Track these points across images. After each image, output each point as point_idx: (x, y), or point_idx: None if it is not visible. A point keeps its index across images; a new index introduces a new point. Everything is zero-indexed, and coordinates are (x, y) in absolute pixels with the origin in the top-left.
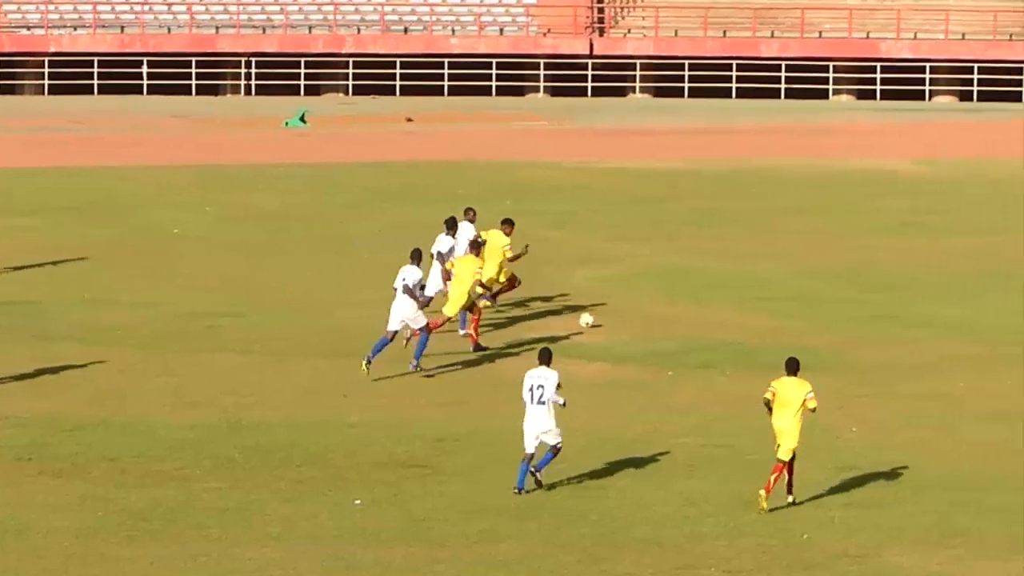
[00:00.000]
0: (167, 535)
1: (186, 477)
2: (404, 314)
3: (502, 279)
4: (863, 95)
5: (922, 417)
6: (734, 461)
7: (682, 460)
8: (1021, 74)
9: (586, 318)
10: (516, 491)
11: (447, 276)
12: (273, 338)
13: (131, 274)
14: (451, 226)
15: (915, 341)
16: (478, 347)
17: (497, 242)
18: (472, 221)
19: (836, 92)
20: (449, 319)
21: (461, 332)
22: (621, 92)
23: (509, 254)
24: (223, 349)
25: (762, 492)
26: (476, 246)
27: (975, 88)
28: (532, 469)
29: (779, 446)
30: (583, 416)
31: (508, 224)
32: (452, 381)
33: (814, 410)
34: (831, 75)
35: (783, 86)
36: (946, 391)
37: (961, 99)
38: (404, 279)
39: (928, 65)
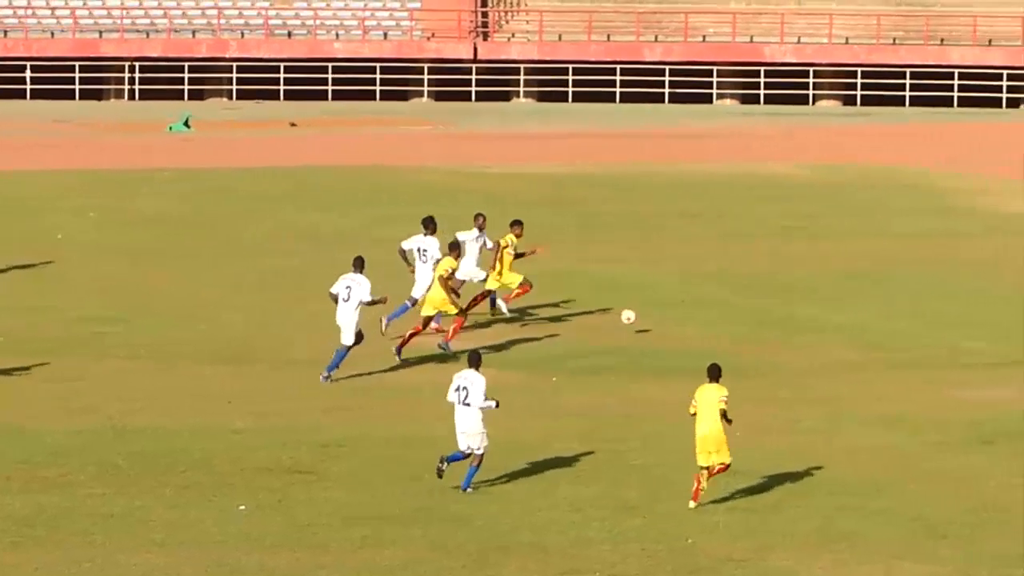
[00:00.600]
0: (51, 541)
1: (70, 483)
2: (350, 322)
3: (513, 284)
4: (747, 99)
5: (806, 421)
6: (619, 466)
7: (568, 465)
8: (904, 78)
9: (628, 314)
10: (463, 490)
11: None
12: (159, 344)
13: (14, 280)
14: (428, 224)
15: (799, 345)
16: (445, 348)
17: (505, 244)
18: (482, 228)
19: (720, 96)
20: (431, 319)
21: (434, 324)
22: (505, 96)
23: (511, 252)
24: (109, 355)
25: (692, 503)
26: (454, 247)
27: (858, 92)
28: (442, 461)
29: (702, 453)
30: None
31: (518, 225)
32: (340, 387)
33: (724, 413)
34: (715, 79)
35: (667, 90)
36: (830, 395)
37: (844, 103)
38: (349, 286)
39: (812, 69)
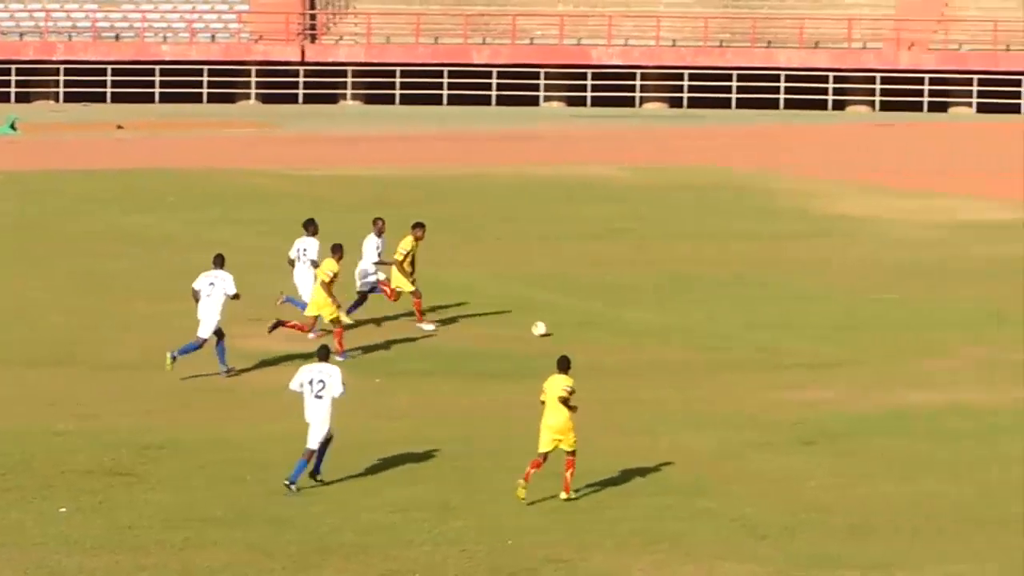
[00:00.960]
0: None
1: None
2: (213, 317)
3: (407, 288)
4: (574, 102)
5: (630, 422)
6: (442, 467)
7: (391, 467)
8: (731, 80)
9: (539, 326)
10: (287, 484)
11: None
12: None
13: None
14: (308, 226)
15: (621, 347)
16: (345, 355)
17: (400, 246)
18: (380, 233)
19: (547, 99)
20: (314, 321)
21: (311, 336)
22: (332, 99)
23: (399, 255)
24: None
25: (521, 481)
26: (336, 250)
27: (685, 94)
28: (312, 473)
29: (545, 439)
30: (289, 423)
31: (419, 227)
32: (163, 389)
33: (564, 401)
34: (542, 82)
35: (494, 93)
36: (654, 396)
37: (671, 105)
38: (212, 282)
39: (638, 72)
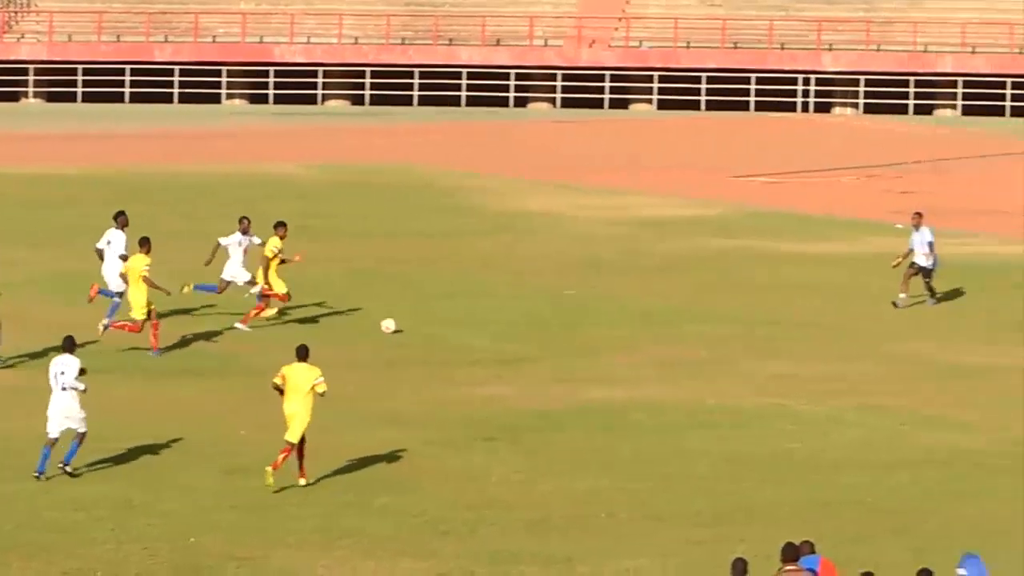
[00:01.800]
0: None
1: None
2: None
3: (282, 289)
4: (256, 99)
5: (317, 418)
6: (126, 465)
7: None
8: (412, 78)
9: (388, 324)
10: (36, 476)
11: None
12: None
13: None
14: (116, 218)
15: (301, 342)
16: (156, 354)
17: (268, 246)
18: (246, 231)
19: (229, 96)
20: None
21: (102, 324)
22: (14, 97)
23: (269, 253)
24: None
25: (269, 468)
26: (144, 243)
27: (367, 92)
28: (61, 464)
29: (289, 429)
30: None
31: (281, 227)
32: None
33: (323, 394)
34: (224, 79)
35: (176, 90)
36: (337, 393)
37: (353, 103)
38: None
39: (321, 69)
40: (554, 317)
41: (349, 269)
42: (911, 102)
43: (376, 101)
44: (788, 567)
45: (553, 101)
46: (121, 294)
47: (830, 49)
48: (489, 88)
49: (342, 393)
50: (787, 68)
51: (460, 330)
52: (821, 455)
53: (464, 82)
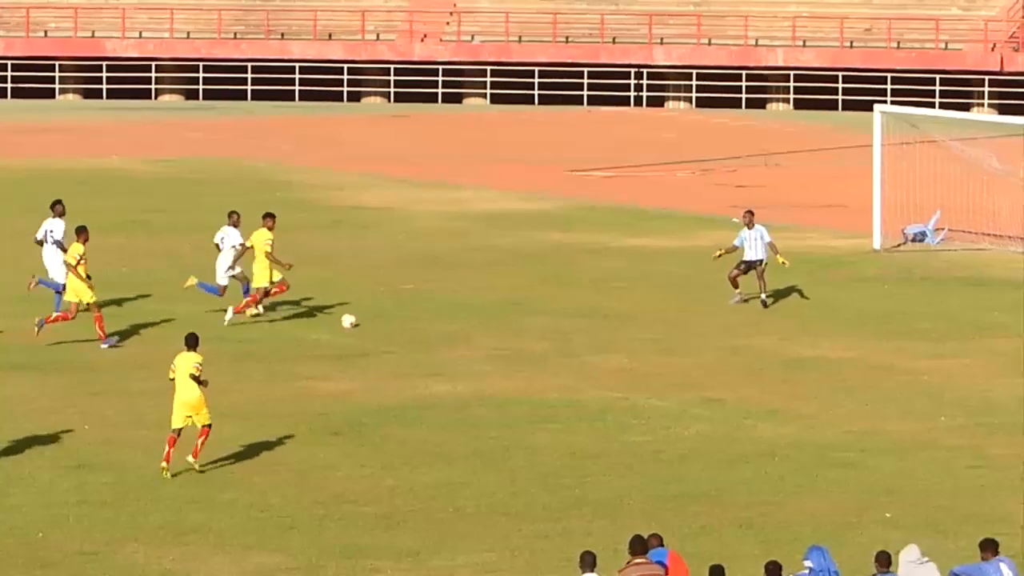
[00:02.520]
0: None
1: None
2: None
3: (274, 278)
4: (89, 94)
5: (152, 414)
6: None
7: None
8: (245, 72)
9: (348, 319)
10: None
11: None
12: None
13: None
14: (54, 207)
15: (146, 337)
16: (108, 341)
17: (259, 238)
18: (236, 225)
19: (63, 91)
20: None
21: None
22: None
23: (268, 248)
24: None
25: (164, 464)
26: (81, 231)
27: (200, 87)
28: None
29: (179, 415)
30: None
31: (270, 218)
32: None
33: (196, 378)
34: (57, 74)
35: (9, 86)
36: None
37: (187, 97)
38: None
39: (154, 64)
40: (394, 312)
41: (183, 264)
42: (743, 96)
43: (209, 96)
44: (637, 560)
45: (387, 96)
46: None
47: (661, 43)
48: (322, 83)
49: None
50: (619, 62)
51: (301, 325)
52: (666, 449)
53: (297, 76)
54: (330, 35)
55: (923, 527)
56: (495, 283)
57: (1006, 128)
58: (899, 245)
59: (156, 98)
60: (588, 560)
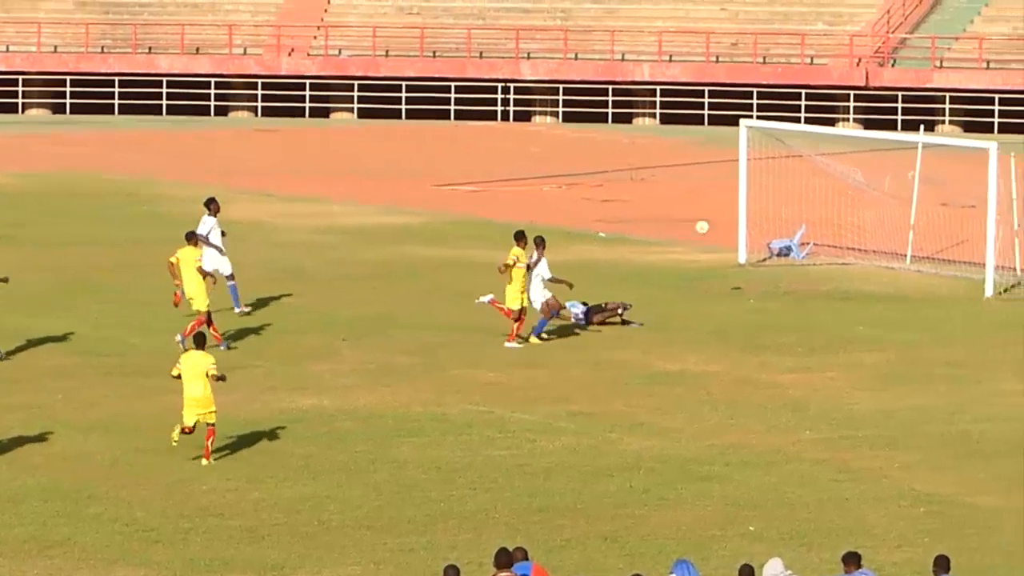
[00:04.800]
0: None
1: None
2: None
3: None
4: None
5: (28, 427)
6: None
7: None
8: (113, 86)
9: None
10: None
11: None
12: None
13: None
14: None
15: (16, 354)
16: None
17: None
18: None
19: None
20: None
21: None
22: None
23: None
24: None
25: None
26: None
27: (68, 101)
28: None
29: (189, 412)
30: None
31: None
32: None
33: (218, 377)
34: None
35: None
36: (41, 402)
37: (54, 111)
38: None
39: (21, 78)
40: (261, 325)
41: (51, 279)
42: (610, 111)
43: (77, 110)
44: (502, 573)
45: (255, 110)
46: None
47: (528, 58)
48: (190, 96)
49: (48, 402)
50: (486, 77)
51: (170, 338)
52: (531, 462)
53: (165, 90)
54: (197, 49)
55: (787, 540)
56: (362, 297)
57: (871, 143)
58: (764, 259)
59: (23, 112)
60: (452, 573)
